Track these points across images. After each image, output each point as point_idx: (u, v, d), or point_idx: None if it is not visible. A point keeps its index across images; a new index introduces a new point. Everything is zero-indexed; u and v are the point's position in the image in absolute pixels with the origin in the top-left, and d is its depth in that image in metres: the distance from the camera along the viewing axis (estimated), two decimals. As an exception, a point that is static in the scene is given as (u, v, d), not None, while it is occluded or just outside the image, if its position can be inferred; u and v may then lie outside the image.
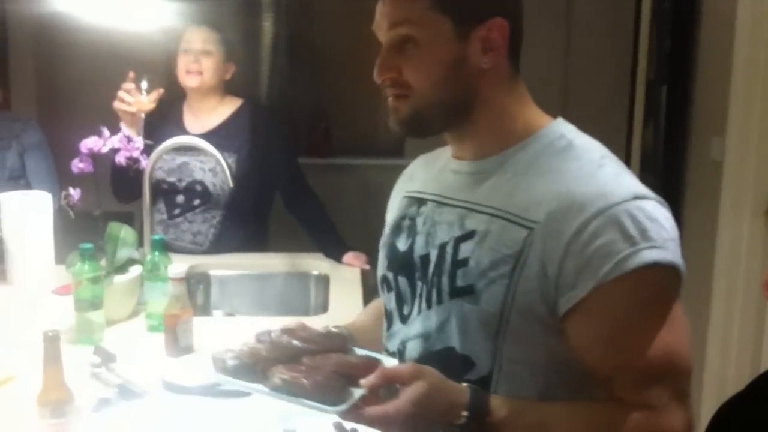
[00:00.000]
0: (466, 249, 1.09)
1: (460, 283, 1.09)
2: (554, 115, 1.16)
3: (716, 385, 2.54)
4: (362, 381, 1.00)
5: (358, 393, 1.00)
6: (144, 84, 2.26)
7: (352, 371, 1.03)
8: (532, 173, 1.09)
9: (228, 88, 2.59)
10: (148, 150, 2.13)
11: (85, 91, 3.62)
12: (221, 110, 2.57)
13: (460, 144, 1.17)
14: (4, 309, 2.07)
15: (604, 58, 3.71)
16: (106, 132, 2.02)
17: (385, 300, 1.25)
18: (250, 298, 2.46)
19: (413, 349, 1.17)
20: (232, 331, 1.93)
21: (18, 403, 1.47)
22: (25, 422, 1.38)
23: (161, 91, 2.30)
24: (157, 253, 1.91)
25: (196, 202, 2.51)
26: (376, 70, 1.11)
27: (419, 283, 1.17)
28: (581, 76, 3.82)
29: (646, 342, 1.00)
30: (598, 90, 3.72)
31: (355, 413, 1.00)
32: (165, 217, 2.53)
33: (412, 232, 1.20)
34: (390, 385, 1.01)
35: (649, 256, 0.99)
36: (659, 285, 1.01)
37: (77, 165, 2.00)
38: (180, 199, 2.52)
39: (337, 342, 1.13)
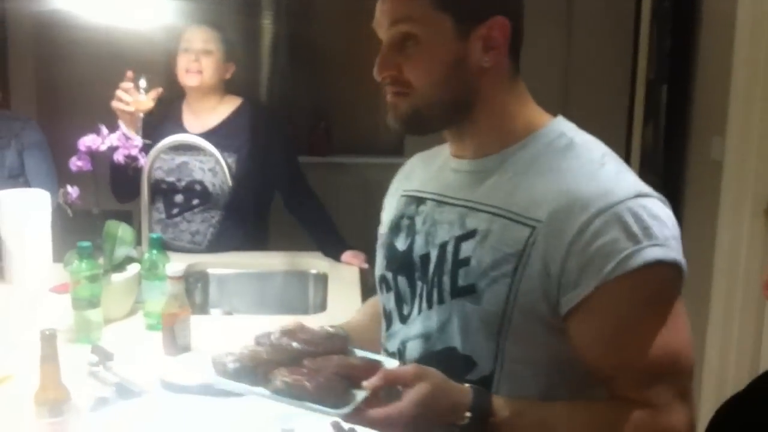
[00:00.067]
0: (467, 248, 1.09)
1: (461, 282, 1.09)
2: (554, 115, 1.15)
3: (716, 385, 2.54)
4: (365, 383, 1.00)
5: (360, 395, 1.00)
6: (143, 83, 2.25)
7: (353, 373, 1.03)
8: (533, 172, 1.08)
9: (228, 87, 2.59)
10: (147, 149, 2.12)
11: (85, 90, 3.61)
12: (221, 110, 2.56)
13: (460, 143, 1.17)
14: (2, 307, 2.06)
15: (604, 58, 3.71)
16: (104, 130, 2.01)
17: (384, 300, 1.25)
18: (248, 296, 2.46)
19: (414, 349, 1.16)
20: (231, 329, 1.93)
21: (16, 402, 1.47)
22: (22, 421, 1.37)
23: (160, 90, 2.29)
24: (155, 251, 1.91)
25: (195, 202, 2.51)
26: (377, 68, 1.11)
27: (419, 283, 1.16)
28: (581, 76, 3.82)
29: (649, 340, 1.00)
30: (598, 90, 3.72)
31: (358, 415, 1.00)
32: (163, 216, 2.53)
33: (412, 231, 1.20)
34: (391, 387, 1.01)
35: (652, 254, 0.98)
36: (662, 283, 1.01)
37: (75, 163, 2.00)
38: (179, 198, 2.51)
39: (338, 344, 1.12)
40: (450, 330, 1.11)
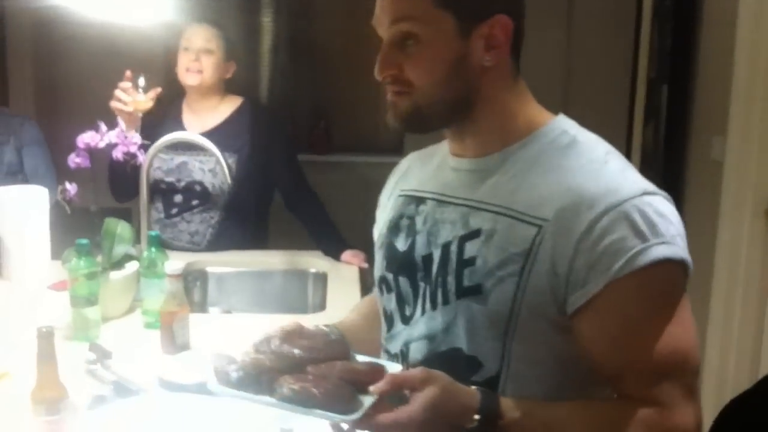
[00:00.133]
0: (471, 248, 1.08)
1: (467, 282, 1.08)
2: (555, 114, 1.15)
3: (716, 386, 2.53)
4: (372, 388, 0.99)
5: (368, 400, 0.99)
6: (141, 82, 2.23)
7: (358, 378, 1.02)
8: (536, 170, 1.08)
9: (228, 86, 2.58)
10: (146, 148, 2.11)
11: (83, 88, 3.61)
12: (222, 109, 2.55)
13: (461, 141, 1.16)
14: (0, 305, 2.06)
15: (604, 57, 3.71)
16: (103, 127, 2.01)
17: (385, 301, 1.23)
18: (247, 295, 2.45)
19: (417, 350, 1.15)
20: (229, 328, 1.92)
21: (13, 400, 1.46)
22: (19, 419, 1.37)
23: (159, 89, 2.28)
24: (153, 249, 1.90)
25: (195, 202, 2.50)
26: (377, 67, 1.10)
27: (422, 284, 1.15)
28: (581, 75, 3.82)
29: (656, 338, 1.00)
30: (598, 89, 3.72)
31: (366, 421, 0.99)
32: (162, 216, 2.52)
33: (412, 231, 1.19)
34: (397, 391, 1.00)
35: (660, 252, 0.98)
36: (669, 281, 1.01)
37: (74, 160, 1.99)
38: (178, 198, 2.50)
39: (339, 349, 1.11)
40: (455, 331, 1.10)
